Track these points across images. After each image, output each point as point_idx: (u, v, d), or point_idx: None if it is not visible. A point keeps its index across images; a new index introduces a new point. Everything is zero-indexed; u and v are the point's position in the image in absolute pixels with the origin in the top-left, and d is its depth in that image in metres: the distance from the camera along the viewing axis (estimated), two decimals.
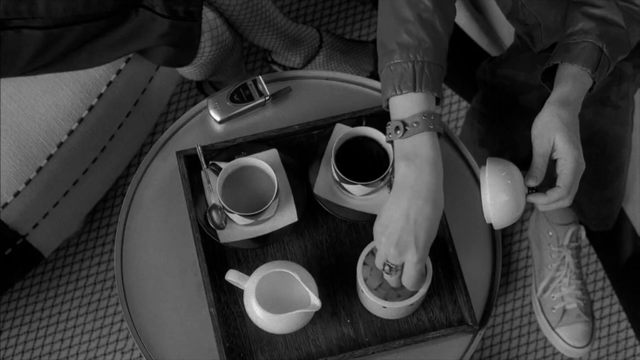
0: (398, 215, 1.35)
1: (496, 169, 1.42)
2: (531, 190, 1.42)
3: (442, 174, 1.36)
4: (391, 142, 1.38)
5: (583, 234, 2.10)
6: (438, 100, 1.40)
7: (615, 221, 2.04)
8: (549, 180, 1.43)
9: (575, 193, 1.41)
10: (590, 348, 2.08)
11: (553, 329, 2.07)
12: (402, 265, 1.39)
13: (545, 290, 2.08)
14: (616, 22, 1.45)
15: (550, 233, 2.09)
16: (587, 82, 1.42)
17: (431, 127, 1.35)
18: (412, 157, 1.35)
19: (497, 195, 1.40)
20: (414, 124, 1.35)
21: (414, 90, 1.36)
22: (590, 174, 1.82)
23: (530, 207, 2.18)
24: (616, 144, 1.76)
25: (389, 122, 1.38)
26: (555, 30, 1.60)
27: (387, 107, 1.40)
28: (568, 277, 2.07)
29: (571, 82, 1.42)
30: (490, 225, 1.60)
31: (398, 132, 1.36)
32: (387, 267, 1.40)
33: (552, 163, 1.42)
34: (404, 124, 1.36)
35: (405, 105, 1.36)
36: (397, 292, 1.50)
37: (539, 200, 1.41)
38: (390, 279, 1.43)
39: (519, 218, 1.44)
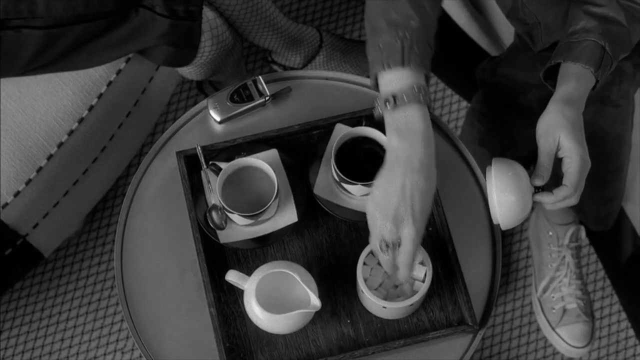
0: (392, 189, 1.34)
1: (502, 169, 1.42)
2: (537, 190, 1.42)
3: (434, 147, 1.36)
4: (381, 117, 1.37)
5: (583, 233, 2.10)
6: (427, 79, 1.39)
7: (615, 221, 2.04)
8: (555, 179, 1.43)
9: (581, 191, 1.41)
10: (591, 348, 2.08)
11: (553, 328, 2.07)
12: (398, 245, 1.38)
13: (545, 290, 2.08)
14: (618, 20, 1.45)
15: (550, 233, 2.09)
16: (590, 81, 1.42)
17: (422, 99, 1.35)
18: (404, 130, 1.35)
19: (504, 195, 1.40)
20: (404, 97, 1.35)
21: (402, 65, 1.35)
22: (591, 174, 1.81)
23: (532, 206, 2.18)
24: (616, 143, 1.76)
25: (377, 97, 1.38)
26: (555, 29, 1.60)
27: (376, 85, 1.39)
28: (568, 277, 2.07)
29: (574, 81, 1.42)
30: (490, 225, 1.60)
31: (388, 105, 1.36)
32: (383, 245, 1.38)
33: (557, 162, 1.42)
34: (394, 97, 1.35)
35: (394, 80, 1.36)
36: (398, 292, 1.50)
37: (545, 199, 1.41)
38: (386, 263, 1.40)
39: (526, 218, 1.44)
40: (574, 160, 1.39)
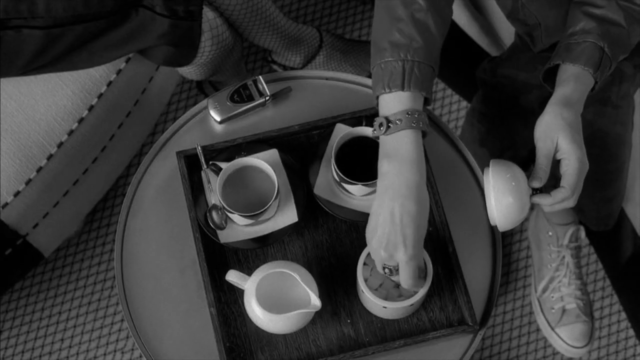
0: (383, 217, 1.36)
1: (500, 170, 1.42)
2: (535, 191, 1.42)
3: (424, 172, 1.37)
4: (377, 138, 1.38)
5: (583, 234, 2.10)
6: (428, 101, 1.40)
7: (615, 221, 2.04)
8: (554, 181, 1.43)
9: (579, 193, 1.41)
10: (590, 348, 2.08)
11: (552, 328, 2.07)
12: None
13: (544, 290, 2.08)
14: (617, 21, 1.44)
15: (550, 233, 2.09)
16: (588, 82, 1.42)
17: (414, 124, 1.35)
18: (393, 154, 1.36)
19: (502, 197, 1.40)
20: (397, 122, 1.35)
21: (402, 88, 1.36)
22: (591, 174, 1.81)
23: (530, 207, 2.18)
24: (616, 143, 1.75)
25: (375, 118, 1.38)
26: (555, 30, 1.60)
27: (377, 104, 1.40)
28: (567, 277, 2.07)
29: (573, 82, 1.41)
30: (490, 225, 1.60)
31: (382, 128, 1.36)
32: (387, 270, 1.42)
33: (555, 163, 1.42)
34: (388, 120, 1.36)
35: (391, 103, 1.37)
36: (398, 292, 1.49)
37: (543, 201, 1.41)
38: (397, 279, 1.44)
39: (524, 219, 1.44)
40: (572, 162, 1.39)
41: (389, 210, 1.35)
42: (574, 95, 1.41)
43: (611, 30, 1.44)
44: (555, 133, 1.39)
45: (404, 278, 1.39)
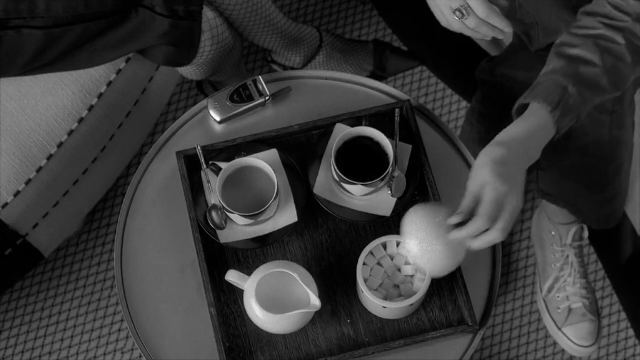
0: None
1: (416, 221, 1.39)
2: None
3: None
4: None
5: (586, 233, 2.09)
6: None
7: (619, 220, 2.04)
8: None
9: (505, 227, 1.35)
10: (598, 346, 2.08)
11: (559, 328, 2.06)
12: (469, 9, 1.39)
13: (550, 290, 2.08)
14: (591, 60, 1.42)
15: (553, 233, 2.08)
16: (544, 118, 1.39)
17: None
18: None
19: (425, 247, 1.38)
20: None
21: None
22: (587, 179, 1.82)
23: (531, 207, 2.18)
24: (613, 145, 1.75)
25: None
26: (552, 29, 1.60)
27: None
28: (572, 277, 2.07)
29: (524, 120, 1.39)
30: None
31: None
32: (457, 14, 1.40)
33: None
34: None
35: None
36: (398, 292, 1.50)
37: (458, 235, 1.36)
38: (470, 23, 1.42)
39: (461, 261, 1.42)
40: (487, 190, 1.35)
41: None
42: (517, 133, 1.38)
43: (582, 69, 1.41)
44: (480, 170, 1.36)
45: (480, 10, 1.38)
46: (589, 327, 2.05)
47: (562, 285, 2.07)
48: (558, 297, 2.07)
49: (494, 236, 1.35)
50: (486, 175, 1.35)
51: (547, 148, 1.41)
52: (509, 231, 1.36)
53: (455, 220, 1.37)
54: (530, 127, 1.39)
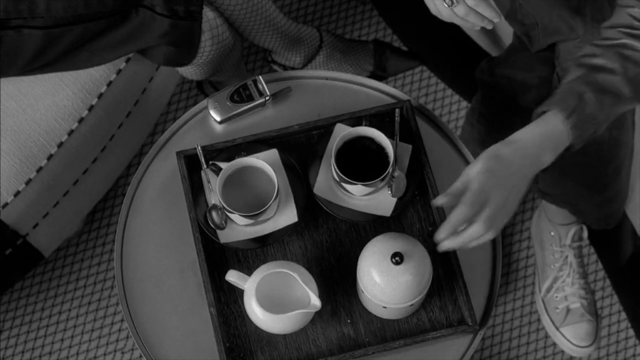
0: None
1: (371, 260, 1.42)
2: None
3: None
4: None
5: (585, 233, 2.09)
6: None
7: (619, 220, 2.04)
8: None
9: (490, 221, 1.35)
10: (596, 346, 2.08)
11: (557, 328, 2.06)
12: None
13: (548, 290, 2.08)
14: (610, 68, 1.40)
15: (552, 233, 2.08)
16: (558, 124, 1.38)
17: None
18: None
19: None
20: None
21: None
22: (587, 179, 1.81)
23: (531, 207, 2.18)
24: (612, 146, 1.75)
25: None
26: (552, 30, 1.60)
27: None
28: (571, 277, 2.07)
29: (537, 124, 1.39)
30: None
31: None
32: (448, 1, 1.38)
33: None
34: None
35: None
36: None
37: (441, 235, 1.37)
38: (459, 11, 1.40)
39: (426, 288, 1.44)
40: (474, 180, 1.34)
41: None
42: (528, 134, 1.38)
43: (601, 77, 1.39)
44: (476, 160, 1.37)
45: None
46: (586, 327, 2.05)
47: (561, 285, 2.07)
48: (556, 297, 2.07)
49: (477, 229, 1.35)
50: (478, 166, 1.35)
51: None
52: (498, 230, 1.36)
53: (440, 200, 1.36)
54: (542, 131, 1.38)
